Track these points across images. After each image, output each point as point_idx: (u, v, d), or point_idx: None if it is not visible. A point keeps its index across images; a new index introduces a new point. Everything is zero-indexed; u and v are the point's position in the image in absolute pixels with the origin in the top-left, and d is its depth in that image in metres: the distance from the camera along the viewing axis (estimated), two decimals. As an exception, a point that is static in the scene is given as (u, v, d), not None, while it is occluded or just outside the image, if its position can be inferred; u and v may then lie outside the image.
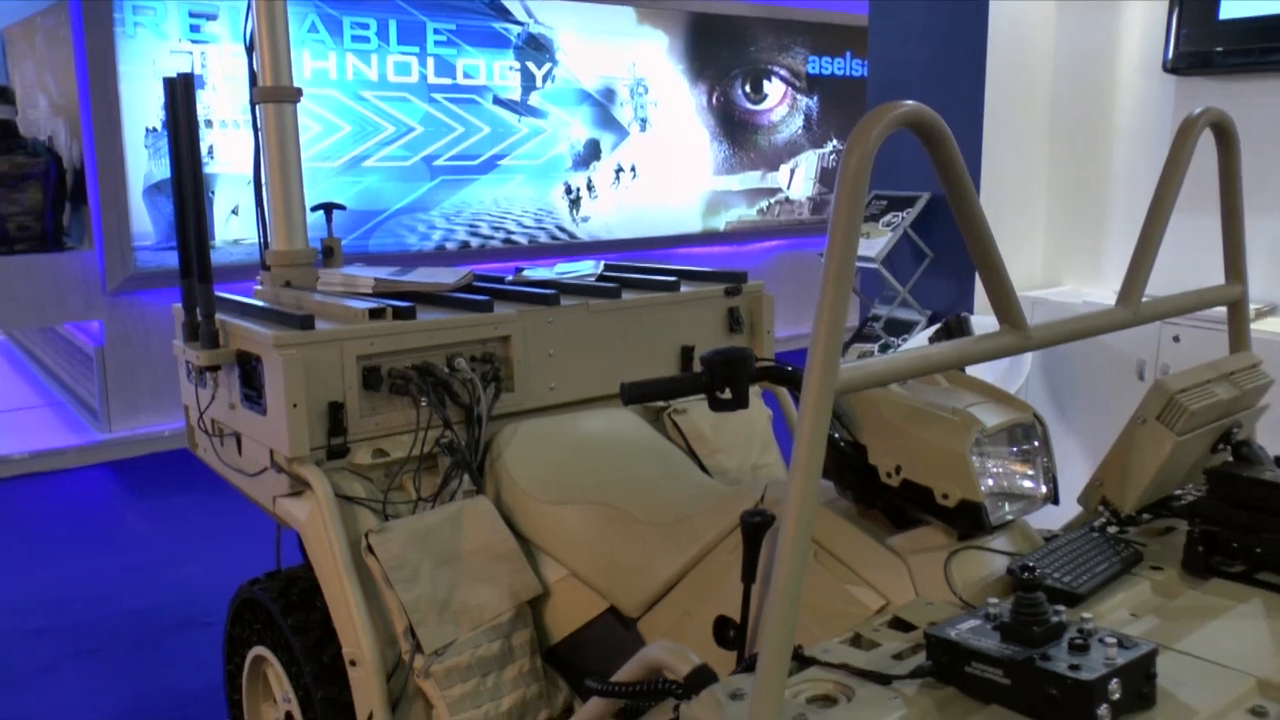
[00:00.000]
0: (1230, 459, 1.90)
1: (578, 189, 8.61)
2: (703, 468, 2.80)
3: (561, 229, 8.56)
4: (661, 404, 2.95)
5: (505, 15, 8.01)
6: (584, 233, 8.66)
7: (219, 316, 2.66)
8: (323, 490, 2.37)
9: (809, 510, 1.28)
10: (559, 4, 8.25)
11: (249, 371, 2.55)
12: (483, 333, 2.65)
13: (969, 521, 1.74)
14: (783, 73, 9.68)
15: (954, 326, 2.14)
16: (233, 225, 7.04)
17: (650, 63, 8.91)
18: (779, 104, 9.75)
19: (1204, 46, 4.07)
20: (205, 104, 6.87)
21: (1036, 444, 1.85)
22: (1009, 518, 1.79)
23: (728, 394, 1.79)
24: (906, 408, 1.78)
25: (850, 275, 1.28)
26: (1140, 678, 1.33)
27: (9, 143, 6.74)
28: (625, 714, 1.67)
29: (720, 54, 9.30)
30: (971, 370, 1.91)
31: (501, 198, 8.23)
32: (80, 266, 6.92)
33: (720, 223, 9.48)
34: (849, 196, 1.28)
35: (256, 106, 3.16)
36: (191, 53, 6.83)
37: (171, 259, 6.69)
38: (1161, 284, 2.88)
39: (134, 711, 3.72)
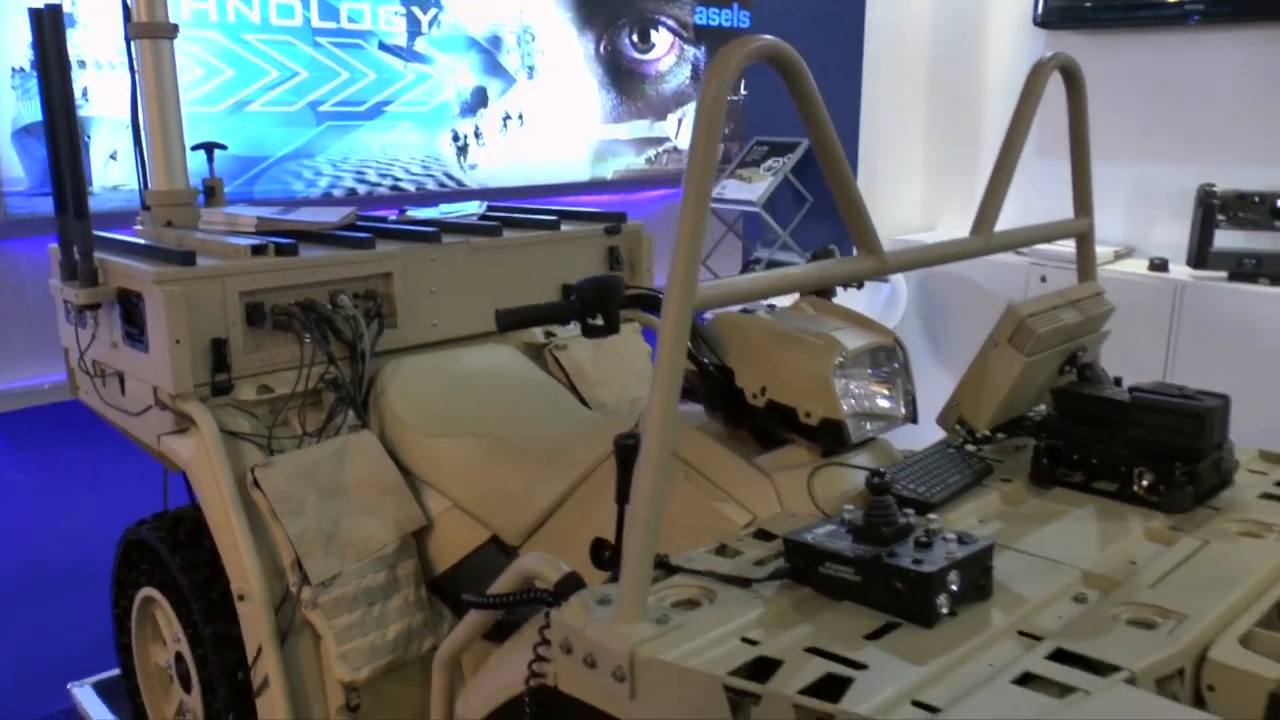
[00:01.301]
0: (1075, 380, 2.04)
1: (465, 136, 8.54)
2: (584, 402, 2.87)
3: (449, 176, 8.48)
4: (543, 340, 3.01)
5: (390, -42, 7.88)
6: (472, 180, 8.59)
7: (98, 255, 2.63)
8: (207, 426, 2.38)
9: (670, 420, 1.36)
10: (445, -53, 8.13)
11: (130, 309, 2.53)
12: (365, 270, 2.68)
13: (831, 439, 1.84)
14: (670, 23, 9.69)
15: (821, 257, 2.23)
16: (112, 170, 6.83)
17: (537, 10, 8.84)
18: (666, 54, 9.77)
19: (1072, 1, 4.24)
20: (76, 43, 6.63)
21: (896, 366, 1.96)
22: (870, 435, 1.90)
23: (599, 320, 1.86)
24: (772, 333, 1.87)
25: (707, 199, 1.35)
26: (977, 570, 1.45)
27: None
28: (502, 628, 1.74)
29: (607, 3, 9.27)
30: (873, 314, 2.02)
31: (389, 144, 8.12)
32: (-53, 213, 6.67)
33: (608, 171, 9.48)
34: (707, 125, 1.35)
35: (131, 43, 3.11)
36: (61, -10, 6.59)
37: (45, 205, 6.45)
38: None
39: (22, 665, 3.68)
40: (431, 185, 8.43)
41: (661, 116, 9.88)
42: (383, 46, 7.99)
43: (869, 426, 1.89)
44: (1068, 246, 4.04)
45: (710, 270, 5.10)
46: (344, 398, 2.58)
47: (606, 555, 2.09)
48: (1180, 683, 1.33)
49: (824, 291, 2.22)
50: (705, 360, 1.93)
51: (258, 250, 2.55)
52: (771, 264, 4.89)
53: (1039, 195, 4.52)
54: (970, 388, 2.00)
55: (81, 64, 6.61)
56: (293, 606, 2.37)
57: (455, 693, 1.82)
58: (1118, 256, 4.20)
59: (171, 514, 2.73)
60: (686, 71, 10.04)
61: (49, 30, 2.56)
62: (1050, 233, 2.18)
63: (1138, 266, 4.06)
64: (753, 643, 1.34)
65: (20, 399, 6.65)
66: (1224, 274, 3.79)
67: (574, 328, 2.88)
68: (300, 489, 2.37)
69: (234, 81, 7.28)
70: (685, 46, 9.98)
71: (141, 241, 2.80)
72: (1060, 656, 1.30)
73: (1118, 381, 2.05)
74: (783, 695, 1.22)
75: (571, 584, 1.49)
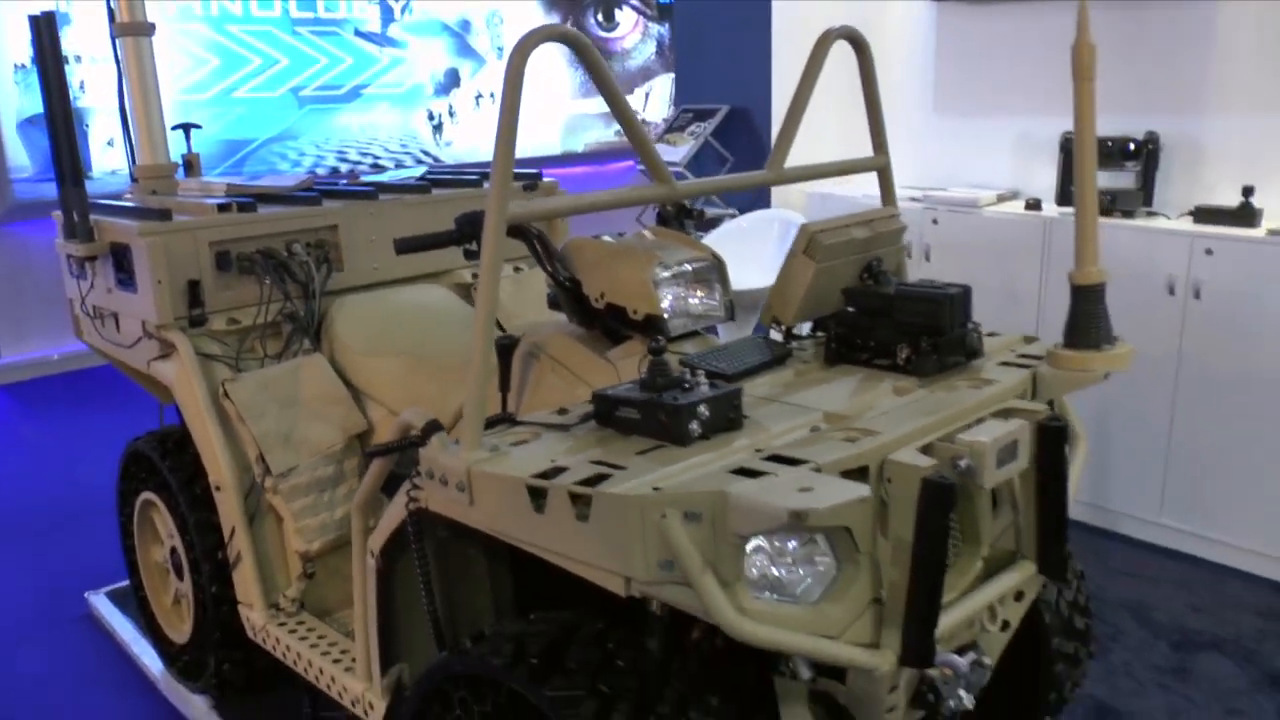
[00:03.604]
0: (865, 282, 2.56)
1: (440, 115, 9.08)
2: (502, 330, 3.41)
3: (426, 153, 9.04)
4: (470, 280, 3.55)
5: (362, -51, 8.41)
6: (448, 156, 9.15)
7: (93, 217, 3.18)
8: (186, 349, 2.94)
9: (490, 301, 1.90)
10: (414, -64, 8.66)
11: (120, 259, 3.08)
12: (314, 222, 3.22)
13: (654, 330, 2.37)
14: (634, 1, 10.21)
15: (670, 214, 2.77)
16: (109, 157, 7.40)
17: (506, -7, 9.38)
18: (631, 31, 10.29)
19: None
20: (72, 40, 7.19)
21: (713, 277, 2.49)
22: (690, 329, 2.43)
23: (475, 246, 2.40)
24: (608, 249, 2.41)
25: (512, 144, 1.88)
26: (727, 406, 1.98)
27: (-119, 84, 7.00)
28: (391, 481, 2.27)
29: (573, -17, 9.79)
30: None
31: (367, 125, 8.69)
32: (-40, 202, 7.25)
33: (579, 144, 10.04)
34: (511, 91, 1.88)
35: (116, 40, 3.64)
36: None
37: (49, 190, 7.03)
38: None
39: (43, 577, 4.28)
40: (409, 162, 9.00)
41: (629, 91, 10.40)
42: (358, 33, 8.55)
43: (687, 321, 2.42)
44: (959, 194, 4.59)
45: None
46: (299, 328, 3.13)
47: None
48: (867, 478, 1.86)
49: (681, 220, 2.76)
50: (560, 276, 2.46)
51: (223, 208, 3.10)
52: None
53: (944, 147, 5.05)
54: (778, 290, 2.52)
55: (78, 59, 7.17)
56: (258, 494, 2.92)
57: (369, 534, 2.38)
58: (1000, 199, 4.72)
59: (162, 430, 3.29)
60: (651, 48, 10.56)
61: (45, 32, 3.09)
62: (851, 167, 2.71)
63: (1017, 207, 4.58)
64: (554, 463, 1.88)
65: (34, 369, 7.29)
66: (1085, 210, 4.30)
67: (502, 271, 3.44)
68: (262, 399, 2.92)
69: (220, 70, 7.88)
70: (650, 24, 10.49)
71: (128, 203, 3.34)
72: (773, 459, 1.83)
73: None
74: (560, 486, 1.77)
75: (434, 427, 2.04)
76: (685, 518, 1.68)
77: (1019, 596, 2.25)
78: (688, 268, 2.43)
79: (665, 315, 2.36)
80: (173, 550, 3.28)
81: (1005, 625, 2.24)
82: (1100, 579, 4.07)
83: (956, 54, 4.94)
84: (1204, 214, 4.06)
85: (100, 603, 3.98)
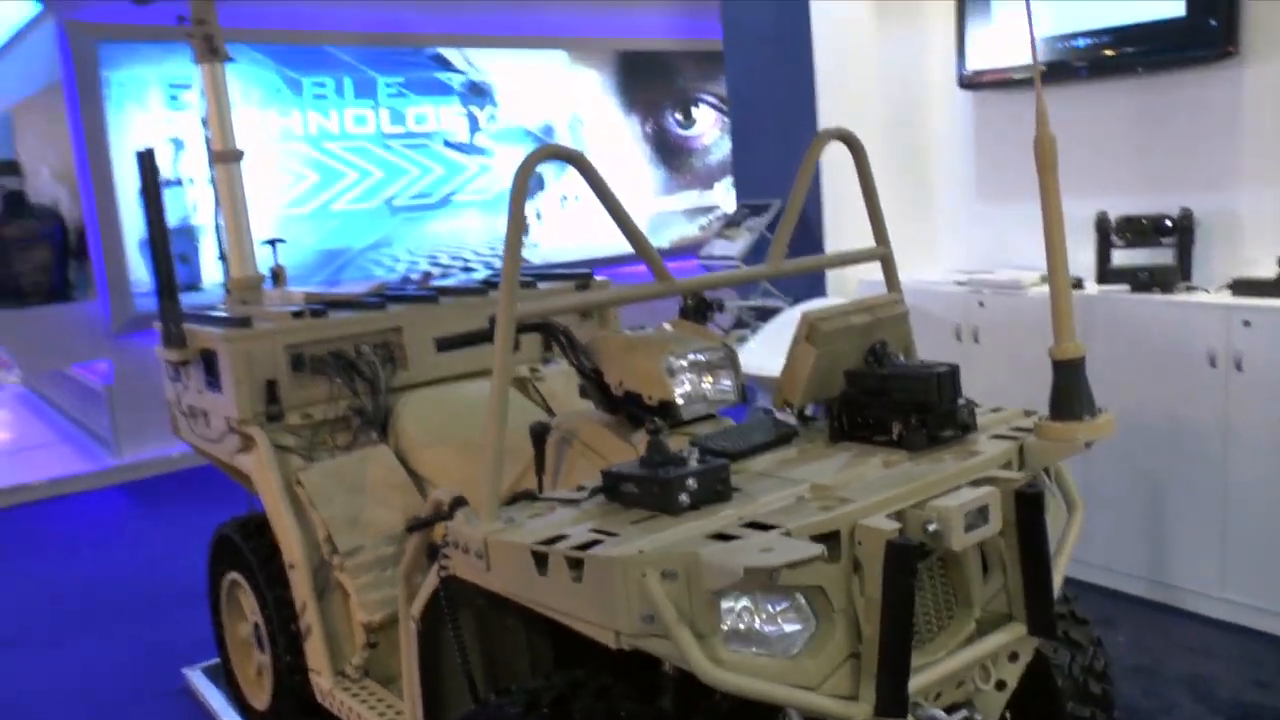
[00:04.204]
0: (868, 363, 2.75)
1: (527, 218, 9.52)
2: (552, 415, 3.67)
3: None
4: (527, 373, 3.83)
5: (447, 66, 8.99)
6: (537, 257, 9.58)
7: (186, 326, 3.56)
8: (263, 442, 3.27)
9: (502, 391, 2.16)
10: (495, 52, 9.21)
11: (209, 362, 3.44)
12: (380, 325, 3.54)
13: (668, 414, 2.60)
14: (710, 99, 10.61)
15: (690, 308, 3.01)
16: (218, 271, 7.96)
17: (585, 99, 9.87)
18: (709, 128, 10.69)
19: (983, 68, 4.98)
20: (186, 165, 7.81)
21: (725, 365, 2.71)
22: (703, 413, 2.66)
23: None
24: (626, 342, 2.66)
25: (518, 253, 2.16)
26: (714, 480, 2.19)
27: (19, 209, 7.74)
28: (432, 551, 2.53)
29: (650, 86, 10.25)
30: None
31: (458, 230, 9.18)
32: (87, 314, 7.87)
33: (664, 240, 10.39)
34: (518, 202, 2.17)
35: (212, 167, 4.07)
36: (172, 119, 7.79)
37: (166, 302, 7.63)
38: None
39: (147, 654, 4.65)
40: (499, 264, 9.39)
41: (709, 186, 10.78)
42: (447, 144, 9.09)
43: (702, 406, 2.64)
44: (1003, 277, 4.74)
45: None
46: (367, 421, 3.44)
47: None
48: (838, 542, 2.05)
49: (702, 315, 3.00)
50: (585, 367, 2.72)
51: (298, 315, 3.45)
52: (760, 310, 5.64)
53: (989, 231, 5.23)
54: (786, 375, 2.73)
55: (191, 181, 7.78)
56: (327, 571, 3.21)
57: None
58: (1044, 279, 4.85)
59: (245, 516, 3.62)
60: (729, 144, 10.88)
61: (146, 167, 3.49)
62: (850, 258, 2.93)
63: (1059, 287, 4.71)
64: (558, 532, 2.11)
65: (150, 468, 7.78)
66: (1126, 287, 4.42)
67: (555, 365, 3.73)
68: (331, 486, 3.22)
69: (318, 185, 8.45)
70: (727, 120, 10.84)
71: (216, 313, 3.72)
72: (750, 525, 2.04)
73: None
74: (558, 550, 2.00)
75: (459, 503, 2.30)
76: (663, 576, 1.90)
77: (1014, 658, 2.40)
78: (701, 357, 2.66)
79: (679, 400, 2.58)
80: (255, 625, 3.58)
81: (1001, 685, 2.38)
82: (1159, 653, 4.09)
83: (994, 141, 5.14)
84: (1242, 286, 4.15)
85: (196, 677, 4.32)
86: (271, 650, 3.44)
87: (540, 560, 2.05)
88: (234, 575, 3.65)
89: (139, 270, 7.82)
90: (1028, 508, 2.27)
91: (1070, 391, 2.41)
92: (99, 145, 7.54)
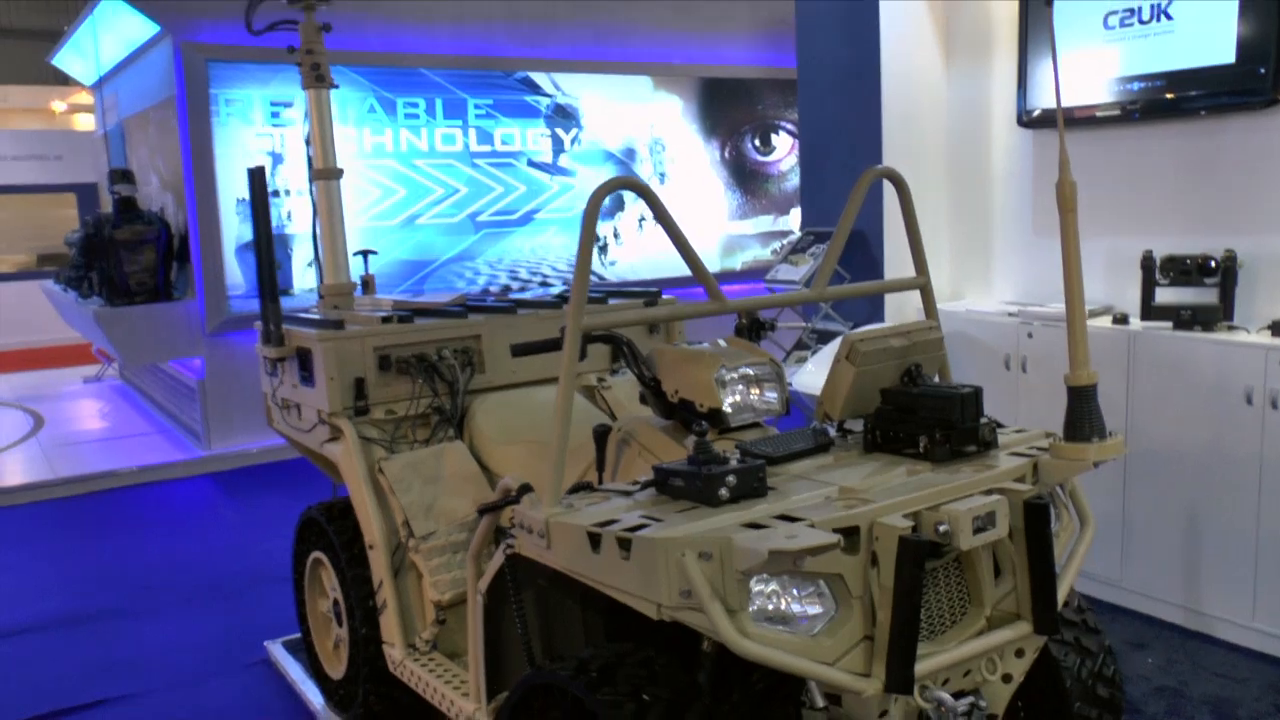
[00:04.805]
0: (903, 383, 3.00)
1: (605, 237, 9.87)
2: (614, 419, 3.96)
3: (591, 273, 9.80)
4: (594, 381, 4.13)
5: (535, 89, 9.38)
6: (612, 275, 9.91)
7: (285, 326, 3.91)
8: (351, 433, 3.60)
9: (569, 391, 2.46)
10: (582, 76, 9.58)
11: (304, 359, 3.79)
12: (461, 332, 3.87)
13: (717, 421, 2.87)
14: (789, 126, 10.88)
15: (744, 326, 3.28)
16: (308, 276, 8.41)
17: (666, 123, 10.20)
18: (787, 154, 10.95)
19: (1041, 107, 5.19)
20: (284, 177, 8.28)
21: (772, 379, 2.98)
22: (749, 421, 2.93)
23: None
24: (682, 354, 2.94)
25: (587, 270, 2.46)
26: (752, 478, 2.46)
27: (131, 214, 8.26)
28: (498, 534, 2.83)
29: (730, 112, 10.56)
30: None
31: (537, 247, 9.55)
32: (186, 313, 8.36)
33: (736, 263, 10.67)
34: (587, 228, 2.47)
35: (312, 183, 4.43)
36: (272, 135, 8.26)
37: (257, 305, 8.10)
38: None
39: (232, 628, 5.03)
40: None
41: (784, 211, 11.04)
42: (531, 163, 9.47)
43: (748, 415, 2.92)
44: (1052, 310, 4.92)
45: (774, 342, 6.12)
46: (444, 419, 3.76)
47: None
48: (859, 537, 2.31)
49: (755, 333, 3.28)
50: (645, 375, 3.00)
51: (386, 320, 3.78)
52: (821, 333, 5.90)
53: (1042, 266, 5.43)
54: (827, 391, 3.00)
55: (286, 192, 8.24)
56: (403, 553, 3.53)
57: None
58: (1092, 314, 5.05)
59: (329, 501, 3.96)
60: (802, 171, 11.19)
61: (256, 182, 3.85)
62: (891, 286, 3.18)
63: (1105, 322, 4.91)
64: (611, 517, 2.40)
65: (237, 460, 8.25)
66: (1170, 324, 4.61)
67: (621, 376, 4.02)
68: (410, 475, 3.55)
69: (406, 199, 8.87)
70: (802, 148, 11.14)
71: (312, 315, 4.07)
72: (781, 517, 2.31)
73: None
74: (610, 532, 2.29)
75: (525, 489, 2.60)
76: (700, 556, 2.18)
77: (1020, 654, 2.63)
78: (749, 371, 2.93)
79: (727, 409, 2.86)
80: (335, 601, 3.91)
81: (1007, 678, 2.62)
82: (1186, 675, 4.25)
83: (1049, 178, 5.32)
84: (1283, 327, 4.32)
85: (276, 649, 4.69)
86: (349, 624, 3.77)
87: (594, 540, 2.34)
88: (317, 554, 3.99)
89: (234, 274, 8.29)
90: (1034, 518, 2.51)
91: (1083, 415, 2.64)
92: (205, 157, 8.03)
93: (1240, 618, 4.45)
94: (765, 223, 10.92)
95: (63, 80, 17.53)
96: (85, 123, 18.90)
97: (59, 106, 19.21)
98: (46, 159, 15.12)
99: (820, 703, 2.44)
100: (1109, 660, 3.07)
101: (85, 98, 18.07)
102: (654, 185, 10.07)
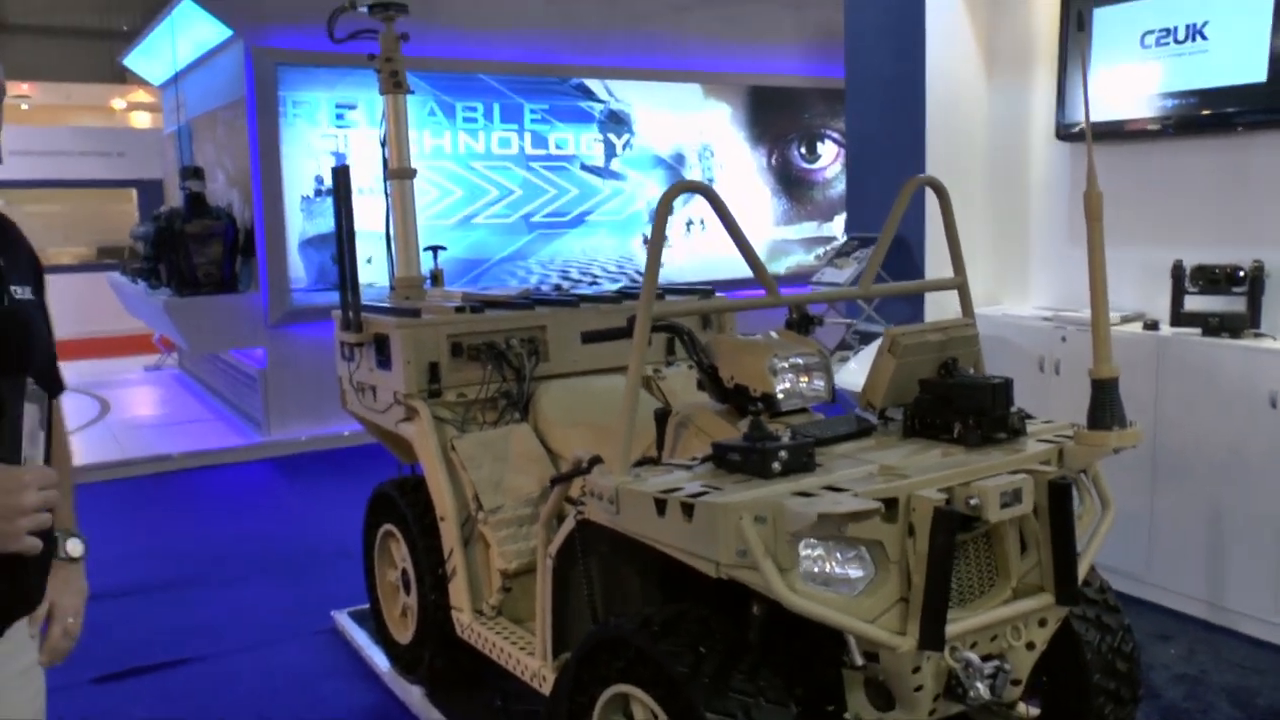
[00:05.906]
0: (940, 374, 3.24)
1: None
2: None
3: (640, 273, 10.10)
4: (650, 372, 4.39)
5: (589, 95, 9.69)
6: (660, 277, 10.15)
7: (364, 314, 4.20)
8: (425, 413, 3.89)
9: (638, 370, 2.73)
10: (635, 84, 9.89)
11: (381, 345, 4.08)
12: (528, 323, 4.15)
13: (770, 405, 3.13)
14: (834, 135, 11.12)
15: (794, 320, 3.53)
16: (365, 272, 8.71)
17: (715, 130, 10.48)
18: (832, 162, 11.19)
19: (1078, 121, 5.42)
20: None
21: (820, 368, 3.24)
22: (798, 406, 3.18)
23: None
24: (737, 343, 3.20)
25: (657, 265, 2.73)
26: (801, 454, 2.71)
27: (200, 209, 8.64)
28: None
29: (777, 120, 10.82)
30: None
31: (589, 248, 9.86)
32: (249, 305, 8.72)
33: (781, 267, 10.92)
34: (658, 227, 2.74)
35: (387, 182, 4.73)
36: (337, 136, 8.60)
37: (320, 298, 8.45)
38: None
39: (300, 600, 5.34)
40: (624, 281, 10.06)
41: (829, 218, 11.28)
42: (584, 167, 9.78)
43: (797, 401, 3.17)
44: (1086, 315, 5.17)
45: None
46: (511, 403, 4.05)
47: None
48: (898, 508, 2.57)
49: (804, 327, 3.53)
50: (703, 363, 3.27)
51: (459, 310, 4.07)
52: (863, 334, 6.14)
53: (1077, 273, 5.63)
54: (870, 381, 3.24)
55: (358, 190, 8.54)
56: (472, 525, 3.81)
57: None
58: (1124, 320, 5.26)
59: (401, 477, 4.26)
60: (846, 178, 11.42)
61: (340, 180, 4.15)
62: (930, 286, 3.44)
63: (1137, 328, 5.12)
64: (674, 486, 2.67)
65: (296, 446, 8.59)
66: (1198, 330, 4.82)
67: (675, 368, 4.29)
68: (480, 453, 3.83)
69: (463, 200, 9.22)
70: (848, 156, 11.37)
71: (389, 305, 4.37)
72: (828, 488, 2.57)
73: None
74: (675, 498, 2.55)
75: (595, 460, 2.87)
76: (755, 520, 2.44)
77: (1043, 623, 2.88)
78: (799, 360, 3.19)
79: (779, 394, 3.12)
80: (403, 571, 4.20)
81: (1031, 646, 2.86)
82: (1206, 665, 4.45)
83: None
84: (1307, 335, 4.52)
85: (343, 618, 5.00)
86: (418, 591, 4.05)
87: (660, 506, 2.61)
88: (388, 526, 4.28)
89: (297, 268, 8.63)
90: (1057, 497, 2.76)
91: (1105, 405, 2.89)
92: (272, 156, 8.38)
93: (1262, 613, 4.63)
94: (809, 229, 11.17)
95: (119, 78, 18.10)
96: (143, 120, 19.44)
97: (119, 104, 19.74)
98: (109, 155, 15.58)
99: (859, 661, 2.69)
100: (1127, 637, 3.30)
101: (144, 96, 18.61)
102: (701, 190, 10.36)
